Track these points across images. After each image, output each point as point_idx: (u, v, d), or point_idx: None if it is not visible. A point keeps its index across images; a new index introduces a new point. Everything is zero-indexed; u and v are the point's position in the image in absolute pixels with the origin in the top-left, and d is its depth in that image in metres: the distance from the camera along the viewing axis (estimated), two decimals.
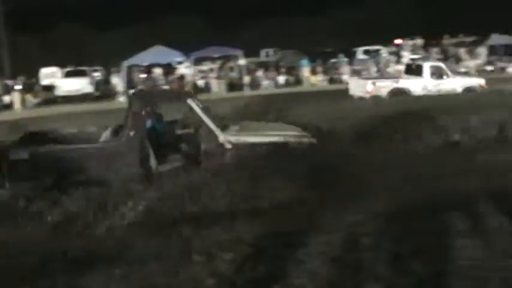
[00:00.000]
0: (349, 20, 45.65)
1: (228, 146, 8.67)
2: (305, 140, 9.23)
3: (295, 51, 35.81)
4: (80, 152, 8.61)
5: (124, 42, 39.28)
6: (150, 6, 43.50)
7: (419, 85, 20.29)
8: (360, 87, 21.06)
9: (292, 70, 32.59)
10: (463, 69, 31.68)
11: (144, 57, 30.82)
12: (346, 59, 33.05)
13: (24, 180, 8.07)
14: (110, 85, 31.54)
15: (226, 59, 32.39)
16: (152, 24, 43.09)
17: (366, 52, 35.45)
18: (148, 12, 42.58)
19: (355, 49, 35.92)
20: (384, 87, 20.40)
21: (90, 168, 8.36)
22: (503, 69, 33.02)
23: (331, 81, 31.66)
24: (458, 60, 33.97)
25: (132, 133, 8.52)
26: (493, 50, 35.60)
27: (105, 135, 9.22)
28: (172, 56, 31.18)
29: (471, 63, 33.10)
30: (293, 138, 9.15)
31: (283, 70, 32.21)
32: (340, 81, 31.19)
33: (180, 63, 31.33)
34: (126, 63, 30.19)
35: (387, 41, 35.79)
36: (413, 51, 34.44)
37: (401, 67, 31.61)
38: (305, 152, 8.70)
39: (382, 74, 31.79)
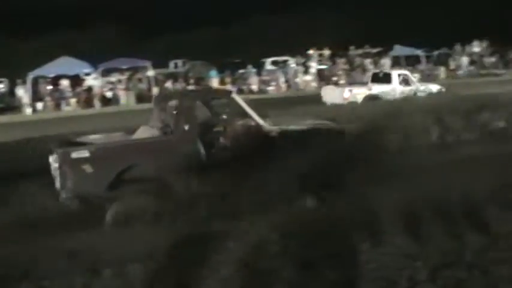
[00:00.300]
0: (256, 30, 46.61)
1: (273, 134, 9.24)
2: (335, 127, 10.23)
3: (204, 62, 36.42)
4: (141, 146, 8.99)
5: (30, 52, 38.79)
6: (57, 16, 43.10)
7: (390, 92, 22.14)
8: (336, 94, 22.60)
9: (201, 81, 33.08)
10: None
11: (50, 69, 30.71)
12: (254, 70, 33.95)
13: (88, 179, 8.23)
14: (15, 97, 31.24)
15: (134, 70, 32.62)
16: (59, 34, 42.62)
17: (274, 63, 36.45)
18: (55, 23, 42.11)
19: (263, 60, 36.82)
20: (359, 93, 22.06)
21: (152, 161, 8.54)
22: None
23: (240, 91, 32.44)
24: (364, 70, 35.45)
25: (187, 127, 8.91)
26: (396, 61, 37.17)
27: (145, 133, 9.43)
28: (80, 67, 31.14)
29: None
30: (324, 126, 10.04)
31: (192, 81, 32.72)
32: (250, 92, 32.10)
33: (87, 74, 31.24)
34: (31, 75, 30.05)
35: (295, 52, 36.75)
36: (320, 62, 35.84)
37: (310, 77, 33.20)
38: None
39: (290, 85, 33.20)
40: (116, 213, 7.97)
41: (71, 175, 8.21)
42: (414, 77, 31.79)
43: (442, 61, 38.32)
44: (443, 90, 23.30)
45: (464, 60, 38.21)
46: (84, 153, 8.33)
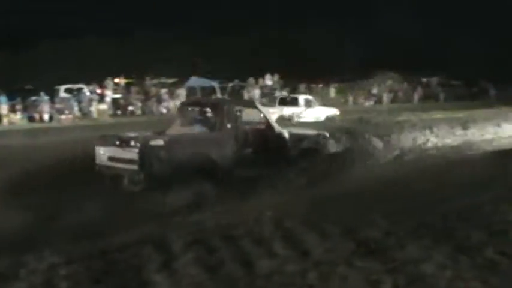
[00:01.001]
0: (49, 56, 46.64)
1: (286, 135, 13.49)
2: (325, 134, 15.10)
3: None
4: (199, 138, 12.55)
5: None
6: None
7: (298, 113, 27.29)
8: (253, 114, 25.31)
9: None
10: (164, 110, 35.09)
11: None
12: (47, 97, 33.57)
13: (162, 161, 11.22)
14: None
15: None
16: None
17: (68, 90, 36.14)
18: None
19: (57, 87, 36.32)
20: (273, 113, 25.56)
21: (208, 150, 12.11)
22: None
23: (31, 119, 32.46)
24: (160, 100, 36.96)
25: (229, 126, 12.60)
26: (191, 92, 39.37)
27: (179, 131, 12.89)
28: None
29: (171, 104, 36.11)
30: (320, 133, 15.02)
31: None
32: (41, 120, 32.25)
33: None
34: None
35: (90, 80, 37.35)
36: (115, 91, 36.95)
37: (104, 106, 34.16)
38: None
39: (85, 113, 33.76)
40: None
41: (149, 158, 11.17)
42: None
43: (236, 93, 40.71)
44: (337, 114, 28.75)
45: (257, 92, 40.99)
46: (160, 142, 11.45)
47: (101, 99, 35.30)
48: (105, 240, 7.76)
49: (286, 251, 6.45)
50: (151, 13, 51.11)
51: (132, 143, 11.37)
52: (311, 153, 13.91)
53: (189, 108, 14.49)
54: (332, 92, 46.93)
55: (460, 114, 26.23)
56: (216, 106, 13.57)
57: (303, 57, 49.82)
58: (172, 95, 37.56)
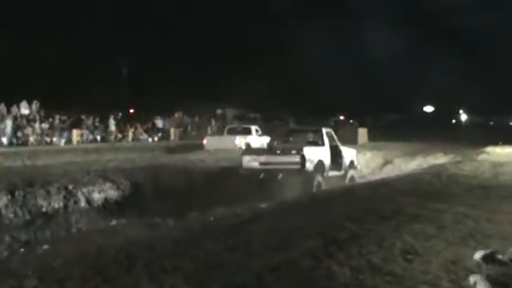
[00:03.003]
0: None
1: (344, 151, 22.88)
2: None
3: None
4: (318, 150, 20.99)
5: None
6: None
7: (256, 141, 32.08)
8: (224, 142, 32.93)
9: None
10: None
11: None
12: None
13: (310, 164, 20.30)
14: None
15: None
16: None
17: None
18: None
19: None
20: (242, 141, 31.16)
21: (324, 158, 20.98)
22: None
23: None
24: None
25: (327, 143, 21.56)
26: None
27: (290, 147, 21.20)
28: None
29: None
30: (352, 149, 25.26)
31: None
32: None
33: None
34: None
35: None
36: None
37: None
38: None
39: None
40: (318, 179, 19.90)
41: (304, 160, 19.44)
42: None
43: None
44: None
45: (9, 124, 34.83)
46: (309, 151, 19.94)
47: None
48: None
49: None
50: None
51: (294, 151, 19.48)
52: (352, 163, 23.06)
53: (294, 132, 26.12)
54: (112, 124, 42.15)
55: None
56: (319, 131, 21.88)
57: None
58: None
